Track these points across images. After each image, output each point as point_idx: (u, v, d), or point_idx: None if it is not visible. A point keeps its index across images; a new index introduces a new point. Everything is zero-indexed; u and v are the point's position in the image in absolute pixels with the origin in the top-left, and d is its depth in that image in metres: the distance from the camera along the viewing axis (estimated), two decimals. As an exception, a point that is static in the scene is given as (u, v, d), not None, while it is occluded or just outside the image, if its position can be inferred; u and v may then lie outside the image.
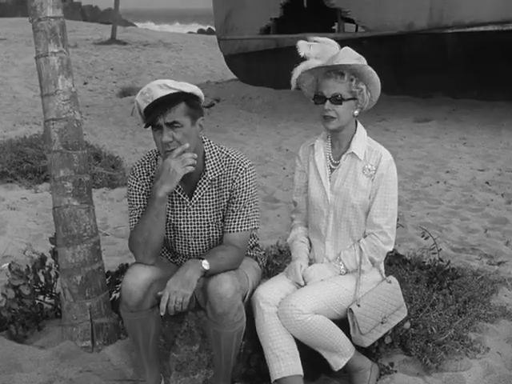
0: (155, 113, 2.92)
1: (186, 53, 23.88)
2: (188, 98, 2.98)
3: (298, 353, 3.08)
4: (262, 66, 14.88)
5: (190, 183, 3.12)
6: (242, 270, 3.15)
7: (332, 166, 3.28)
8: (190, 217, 3.18)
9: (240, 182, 3.12)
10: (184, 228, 3.20)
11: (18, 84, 15.91)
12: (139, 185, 3.17)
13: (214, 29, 17.25)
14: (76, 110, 3.51)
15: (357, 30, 14.51)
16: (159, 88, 2.92)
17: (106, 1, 37.22)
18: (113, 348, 3.53)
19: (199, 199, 3.15)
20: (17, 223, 6.16)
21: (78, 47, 23.03)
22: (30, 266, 3.80)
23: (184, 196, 3.16)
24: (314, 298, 3.05)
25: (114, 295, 3.83)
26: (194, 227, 3.19)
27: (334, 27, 15.72)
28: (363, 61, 3.12)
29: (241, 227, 3.13)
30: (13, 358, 3.45)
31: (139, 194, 3.17)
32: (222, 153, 3.16)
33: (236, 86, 15.46)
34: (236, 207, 3.12)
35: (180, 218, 3.19)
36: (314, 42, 3.16)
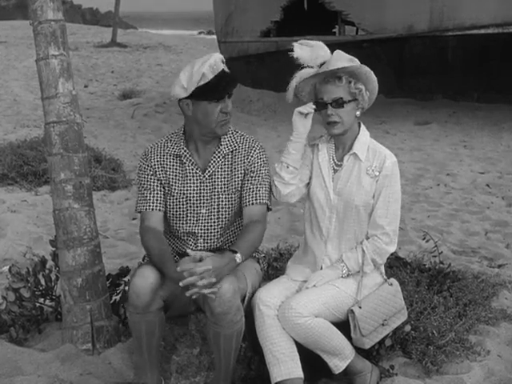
0: (226, 85, 3.15)
1: (187, 55, 23.87)
2: None
3: (298, 355, 3.08)
4: (263, 69, 14.88)
5: (204, 157, 3.26)
6: (241, 270, 3.16)
7: (335, 167, 3.28)
8: (203, 189, 3.26)
9: (256, 157, 3.27)
10: (197, 200, 3.27)
11: (18, 87, 15.92)
12: (148, 165, 3.29)
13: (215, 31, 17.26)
14: (76, 112, 3.51)
15: (357, 32, 14.52)
16: (221, 62, 3.13)
17: (107, 4, 37.26)
18: (113, 351, 3.53)
19: (212, 172, 3.25)
20: (17, 226, 6.15)
21: (79, 50, 23.07)
22: (31, 269, 3.80)
23: (197, 169, 3.25)
24: (314, 300, 3.05)
25: (114, 298, 3.83)
26: (207, 199, 3.26)
27: (334, 30, 15.73)
28: (356, 61, 3.13)
29: (262, 199, 3.23)
30: (13, 361, 3.45)
31: (147, 175, 3.28)
32: (237, 132, 3.34)
33: (236, 88, 15.41)
34: (255, 180, 3.24)
35: (193, 190, 3.27)
36: (306, 45, 3.18)
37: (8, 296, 3.72)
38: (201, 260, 2.92)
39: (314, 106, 3.15)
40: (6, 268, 4.53)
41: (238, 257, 2.99)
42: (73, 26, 32.96)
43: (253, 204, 3.21)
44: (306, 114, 3.16)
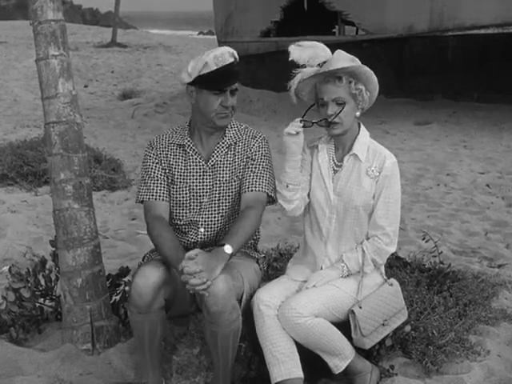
0: (226, 79, 3.17)
1: (187, 55, 23.86)
2: None
3: (298, 356, 3.08)
4: (263, 69, 14.89)
5: (208, 148, 3.32)
6: (237, 270, 3.16)
7: (335, 168, 3.28)
8: (206, 178, 3.31)
9: (258, 146, 3.32)
10: (200, 189, 3.31)
11: (18, 87, 15.92)
12: (153, 154, 3.35)
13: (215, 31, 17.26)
14: (76, 112, 3.51)
15: (357, 32, 14.53)
16: (229, 56, 3.19)
17: (107, 4, 37.25)
18: (113, 351, 3.53)
19: (215, 162, 3.30)
20: (17, 226, 6.15)
21: (79, 50, 23.06)
22: (31, 269, 3.80)
23: (200, 159, 3.30)
24: (314, 300, 3.05)
25: (114, 298, 3.83)
26: (209, 188, 3.30)
27: (334, 30, 15.74)
28: (357, 61, 3.13)
29: (262, 187, 3.24)
30: (13, 361, 3.45)
31: (152, 163, 3.34)
32: (241, 125, 3.40)
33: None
34: (255, 168, 3.28)
35: (196, 179, 3.31)
36: (304, 46, 3.18)
37: (8, 296, 3.72)
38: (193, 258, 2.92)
39: (301, 124, 3.13)
40: (5, 268, 4.52)
41: (227, 247, 2.97)
42: (73, 26, 32.95)
43: (252, 191, 3.24)
44: (296, 133, 3.15)
